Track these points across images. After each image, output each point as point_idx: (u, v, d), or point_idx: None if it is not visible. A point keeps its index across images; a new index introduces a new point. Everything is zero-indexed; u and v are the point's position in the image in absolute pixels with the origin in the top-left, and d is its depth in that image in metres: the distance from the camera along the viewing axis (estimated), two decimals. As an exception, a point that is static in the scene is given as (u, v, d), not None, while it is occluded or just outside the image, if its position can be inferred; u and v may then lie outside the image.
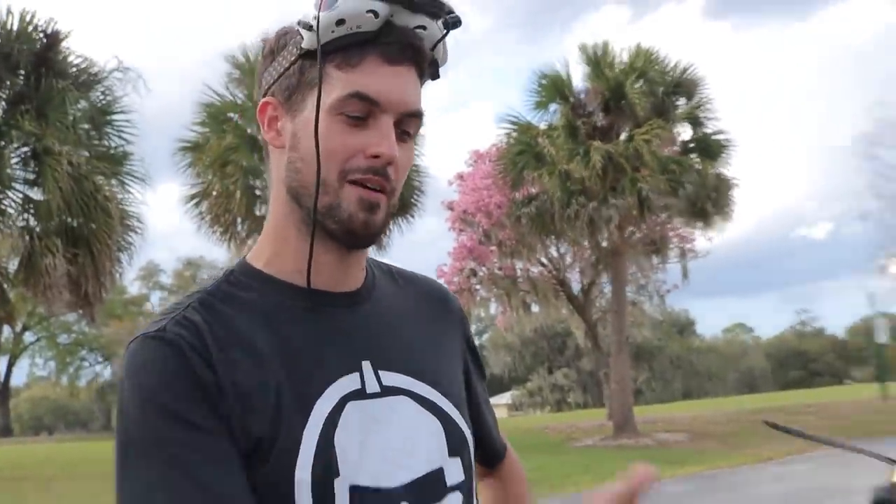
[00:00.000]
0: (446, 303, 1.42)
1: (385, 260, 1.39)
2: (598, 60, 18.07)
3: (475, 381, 1.41)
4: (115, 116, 14.68)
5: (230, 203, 16.05)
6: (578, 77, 18.55)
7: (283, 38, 1.19)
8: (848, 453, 1.78)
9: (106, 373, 47.81)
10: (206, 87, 16.95)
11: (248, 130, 16.20)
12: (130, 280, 34.51)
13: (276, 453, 1.09)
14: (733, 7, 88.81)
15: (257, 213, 16.35)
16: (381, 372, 1.23)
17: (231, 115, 16.66)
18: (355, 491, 1.13)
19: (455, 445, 1.25)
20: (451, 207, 21.12)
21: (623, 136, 18.17)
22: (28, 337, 41.65)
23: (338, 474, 1.11)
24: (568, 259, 22.84)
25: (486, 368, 1.46)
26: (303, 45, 1.13)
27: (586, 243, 20.04)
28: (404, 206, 16.76)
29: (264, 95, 1.21)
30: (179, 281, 45.50)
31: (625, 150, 17.48)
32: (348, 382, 1.18)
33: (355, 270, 1.26)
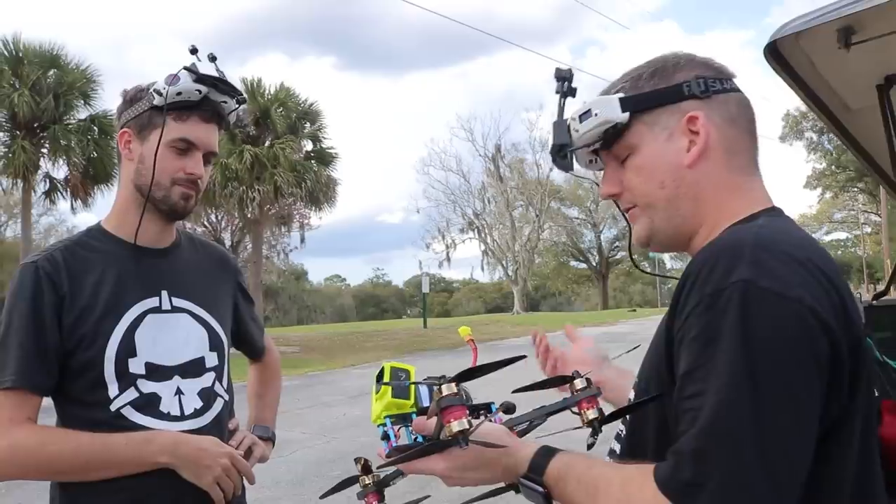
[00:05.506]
0: (226, 262, 1.92)
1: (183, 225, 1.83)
2: (253, 90, 21.61)
3: (242, 307, 1.94)
4: None
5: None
6: (240, 99, 22.50)
7: (139, 94, 1.65)
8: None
9: None
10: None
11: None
12: None
13: (96, 341, 1.57)
14: (355, 65, 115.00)
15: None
16: (173, 297, 1.69)
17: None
18: (148, 365, 1.62)
19: (214, 344, 1.74)
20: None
21: (267, 144, 21.71)
22: None
23: (135, 354, 1.60)
24: (223, 224, 26.36)
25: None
26: (154, 103, 1.59)
27: (237, 214, 23.35)
28: (108, 178, 19.09)
29: (122, 126, 1.66)
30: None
31: (268, 153, 21.10)
32: (150, 302, 1.65)
33: (168, 235, 1.75)
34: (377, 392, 1.18)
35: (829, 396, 0.89)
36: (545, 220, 48.76)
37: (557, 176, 47.48)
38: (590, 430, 1.07)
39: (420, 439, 1.12)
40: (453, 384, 1.00)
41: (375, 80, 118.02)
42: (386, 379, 1.18)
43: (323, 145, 23.44)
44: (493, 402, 1.20)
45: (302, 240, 27.75)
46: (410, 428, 1.14)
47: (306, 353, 19.98)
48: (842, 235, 52.08)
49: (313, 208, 23.72)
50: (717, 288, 0.89)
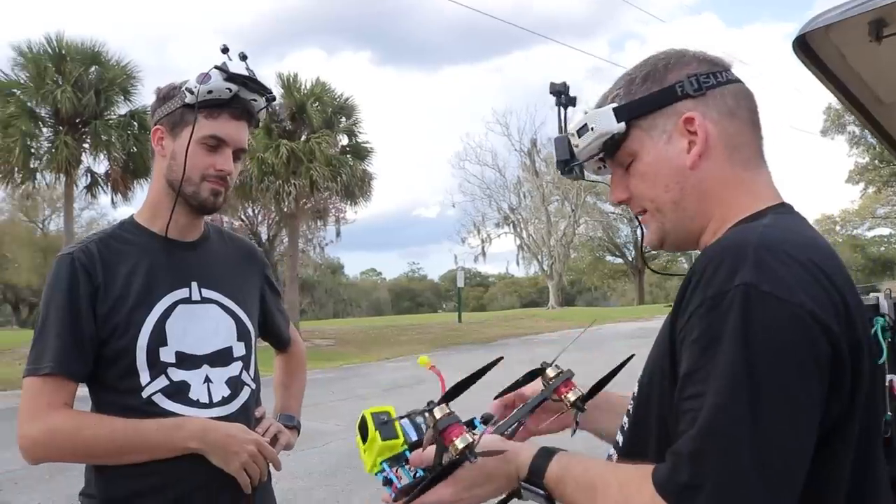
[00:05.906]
0: (253, 255, 1.98)
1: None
2: (289, 85, 21.60)
3: (269, 299, 1.99)
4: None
5: (10, 157, 17.59)
6: (277, 94, 22.45)
7: (172, 92, 1.71)
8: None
9: None
10: (-7, 67, 17.88)
11: (29, 104, 18.21)
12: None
13: (129, 330, 1.64)
14: (391, 60, 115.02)
15: (31, 165, 18.20)
16: (202, 289, 1.75)
17: (14, 90, 18.21)
18: (179, 353, 1.67)
19: (242, 334, 1.80)
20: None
21: (303, 138, 21.65)
22: None
23: (166, 344, 1.66)
24: (260, 218, 26.58)
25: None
26: (186, 100, 1.64)
27: (273, 208, 23.36)
28: (147, 172, 18.49)
29: (156, 123, 1.72)
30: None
31: (304, 148, 21.03)
32: (181, 293, 1.71)
33: (197, 229, 1.81)
34: (364, 442, 1.17)
35: (831, 396, 0.89)
36: (581, 215, 48.38)
37: (593, 170, 46.86)
38: (574, 411, 1.11)
39: (420, 473, 1.11)
40: (444, 405, 1.00)
41: (411, 74, 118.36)
42: (370, 427, 1.16)
43: (358, 140, 23.38)
44: (474, 417, 1.21)
45: (338, 234, 28.01)
46: (407, 466, 1.14)
47: (341, 347, 20.17)
48: (885, 231, 50.84)
49: (349, 202, 23.76)
50: (719, 290, 0.90)
